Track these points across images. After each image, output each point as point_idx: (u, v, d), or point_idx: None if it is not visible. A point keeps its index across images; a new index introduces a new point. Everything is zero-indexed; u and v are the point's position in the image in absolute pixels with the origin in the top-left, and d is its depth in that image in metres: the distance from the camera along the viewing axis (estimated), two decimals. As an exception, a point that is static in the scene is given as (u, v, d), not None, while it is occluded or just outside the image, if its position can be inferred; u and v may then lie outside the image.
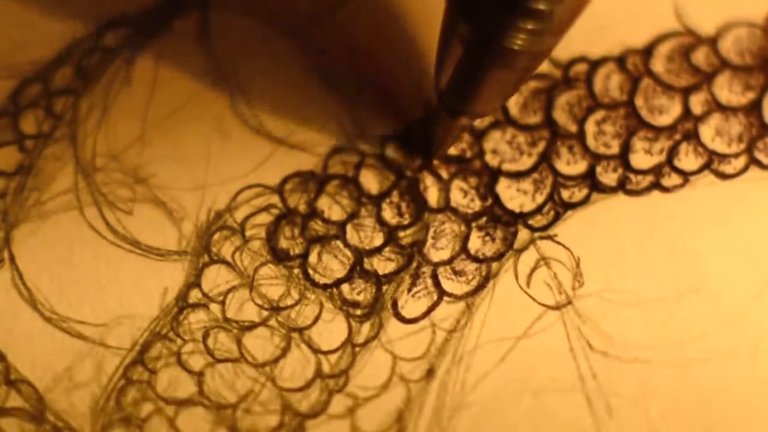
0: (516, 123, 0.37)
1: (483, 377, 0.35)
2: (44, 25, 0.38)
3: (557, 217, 0.37)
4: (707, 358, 0.35)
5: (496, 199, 0.37)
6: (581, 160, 0.37)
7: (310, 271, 0.36)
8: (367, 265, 0.36)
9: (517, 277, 0.36)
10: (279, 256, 0.37)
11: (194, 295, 0.36)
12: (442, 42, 0.31)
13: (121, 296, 0.36)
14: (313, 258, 0.36)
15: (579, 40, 0.38)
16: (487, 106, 0.32)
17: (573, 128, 0.37)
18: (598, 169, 0.37)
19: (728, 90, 0.38)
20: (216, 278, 0.36)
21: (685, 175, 0.37)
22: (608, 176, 0.37)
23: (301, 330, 0.36)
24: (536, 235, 0.37)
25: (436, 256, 0.36)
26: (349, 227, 0.37)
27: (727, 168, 0.37)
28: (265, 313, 0.36)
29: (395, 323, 0.36)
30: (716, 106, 0.38)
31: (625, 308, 0.36)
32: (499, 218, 0.37)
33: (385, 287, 0.36)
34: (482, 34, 0.29)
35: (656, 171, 0.37)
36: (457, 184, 0.37)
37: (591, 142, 0.37)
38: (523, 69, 0.30)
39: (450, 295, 0.36)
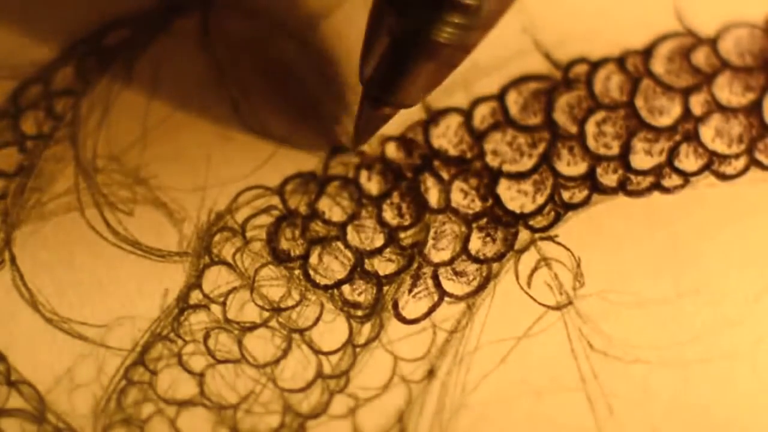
0: (516, 124, 0.37)
1: (484, 378, 0.35)
2: (44, 25, 0.38)
3: (558, 218, 0.37)
4: (708, 358, 0.35)
5: (497, 200, 0.37)
6: (581, 161, 0.37)
7: (311, 272, 0.36)
8: (367, 266, 0.36)
9: (517, 278, 0.36)
10: (280, 258, 0.36)
11: (195, 296, 0.36)
12: (368, 32, 0.32)
13: (122, 297, 0.36)
14: (313, 259, 0.36)
15: (579, 41, 0.38)
16: (411, 97, 0.33)
17: (573, 129, 0.37)
18: (599, 170, 0.37)
19: (728, 91, 0.38)
20: (217, 279, 0.36)
21: (686, 176, 0.37)
22: (609, 177, 0.37)
23: (301, 331, 0.36)
24: (537, 235, 0.36)
25: (436, 256, 0.36)
26: (349, 228, 0.37)
27: (728, 169, 0.37)
28: (266, 314, 0.36)
29: (396, 324, 0.36)
30: (716, 106, 0.38)
31: (626, 309, 0.36)
32: (500, 219, 0.37)
33: (385, 288, 0.36)
34: (409, 25, 0.30)
35: (657, 172, 0.37)
36: (457, 185, 0.37)
37: (591, 143, 0.37)
38: (448, 62, 0.31)
39: (451, 295, 0.36)
